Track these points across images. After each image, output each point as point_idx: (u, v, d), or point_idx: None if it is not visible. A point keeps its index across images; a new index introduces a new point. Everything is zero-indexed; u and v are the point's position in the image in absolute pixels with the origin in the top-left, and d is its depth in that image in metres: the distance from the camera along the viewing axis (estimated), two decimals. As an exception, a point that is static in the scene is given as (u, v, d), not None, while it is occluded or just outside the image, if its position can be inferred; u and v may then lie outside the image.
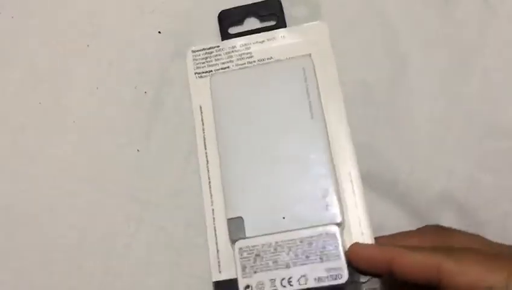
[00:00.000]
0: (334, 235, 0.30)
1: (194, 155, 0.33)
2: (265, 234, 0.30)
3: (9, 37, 0.37)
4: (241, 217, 0.31)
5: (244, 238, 0.30)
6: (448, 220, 0.32)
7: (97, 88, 0.36)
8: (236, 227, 0.31)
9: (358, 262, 0.29)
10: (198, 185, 0.33)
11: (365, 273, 0.29)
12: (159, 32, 0.36)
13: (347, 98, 0.33)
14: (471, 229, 0.30)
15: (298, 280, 0.29)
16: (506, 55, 0.34)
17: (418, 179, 0.33)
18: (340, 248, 0.29)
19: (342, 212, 0.30)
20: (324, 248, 0.30)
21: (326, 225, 0.30)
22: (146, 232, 0.33)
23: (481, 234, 0.29)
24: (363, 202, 0.31)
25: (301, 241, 0.30)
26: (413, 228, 0.31)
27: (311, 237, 0.30)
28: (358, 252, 0.29)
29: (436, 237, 0.29)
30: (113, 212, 0.34)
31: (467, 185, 0.33)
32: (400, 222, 0.32)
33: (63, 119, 0.35)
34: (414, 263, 0.27)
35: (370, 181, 0.33)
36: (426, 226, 0.31)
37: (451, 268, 0.25)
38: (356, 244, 0.30)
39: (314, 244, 0.30)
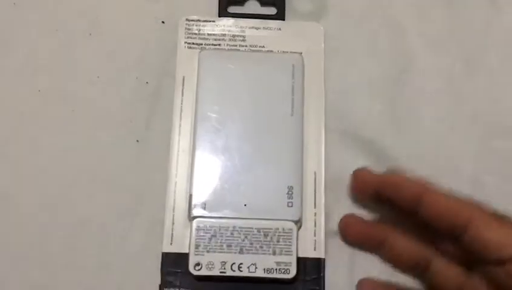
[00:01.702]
0: (290, 232, 0.31)
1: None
2: (225, 217, 0.31)
3: (10, 24, 0.35)
4: (204, 196, 0.31)
5: (204, 217, 0.31)
6: None
7: (98, 77, 0.34)
8: (197, 204, 0.31)
9: (386, 187, 0.30)
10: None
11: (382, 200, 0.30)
12: (163, 22, 0.35)
13: (352, 94, 0.34)
14: None
15: (248, 267, 0.30)
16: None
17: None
18: (294, 245, 0.30)
19: (301, 211, 0.31)
20: (278, 241, 0.30)
21: (284, 220, 0.31)
22: (142, 225, 0.32)
23: None
24: (322, 203, 0.32)
25: (258, 231, 0.31)
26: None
27: (268, 229, 0.31)
28: (391, 177, 0.30)
29: None
30: (109, 204, 0.32)
31: (471, 186, 0.33)
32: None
33: (63, 108, 0.34)
34: (446, 204, 0.27)
35: None
36: None
37: (485, 222, 0.26)
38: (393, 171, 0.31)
39: (269, 237, 0.31)
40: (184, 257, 0.31)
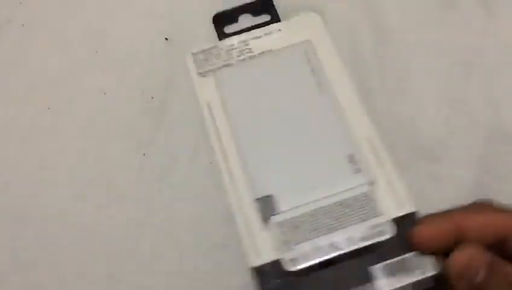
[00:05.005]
0: (369, 194, 0.29)
1: (199, 159, 0.33)
2: (300, 205, 0.29)
3: (20, 44, 0.38)
4: (270, 195, 0.30)
5: (279, 213, 0.29)
6: None
7: (105, 93, 0.36)
8: (266, 205, 0.30)
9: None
10: (203, 188, 0.32)
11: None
12: (166, 38, 0.37)
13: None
14: None
15: (346, 242, 0.28)
16: (507, 58, 0.34)
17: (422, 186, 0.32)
18: (378, 205, 0.29)
19: (370, 172, 0.30)
20: (363, 207, 0.29)
21: (358, 185, 0.30)
22: (151, 236, 0.32)
23: None
24: (389, 161, 0.31)
25: (339, 205, 0.29)
26: None
27: (347, 199, 0.29)
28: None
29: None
30: (119, 216, 0.32)
31: (471, 191, 0.31)
32: None
33: (71, 124, 0.35)
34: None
35: None
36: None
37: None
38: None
39: (351, 206, 0.29)
40: (277, 262, 0.28)
